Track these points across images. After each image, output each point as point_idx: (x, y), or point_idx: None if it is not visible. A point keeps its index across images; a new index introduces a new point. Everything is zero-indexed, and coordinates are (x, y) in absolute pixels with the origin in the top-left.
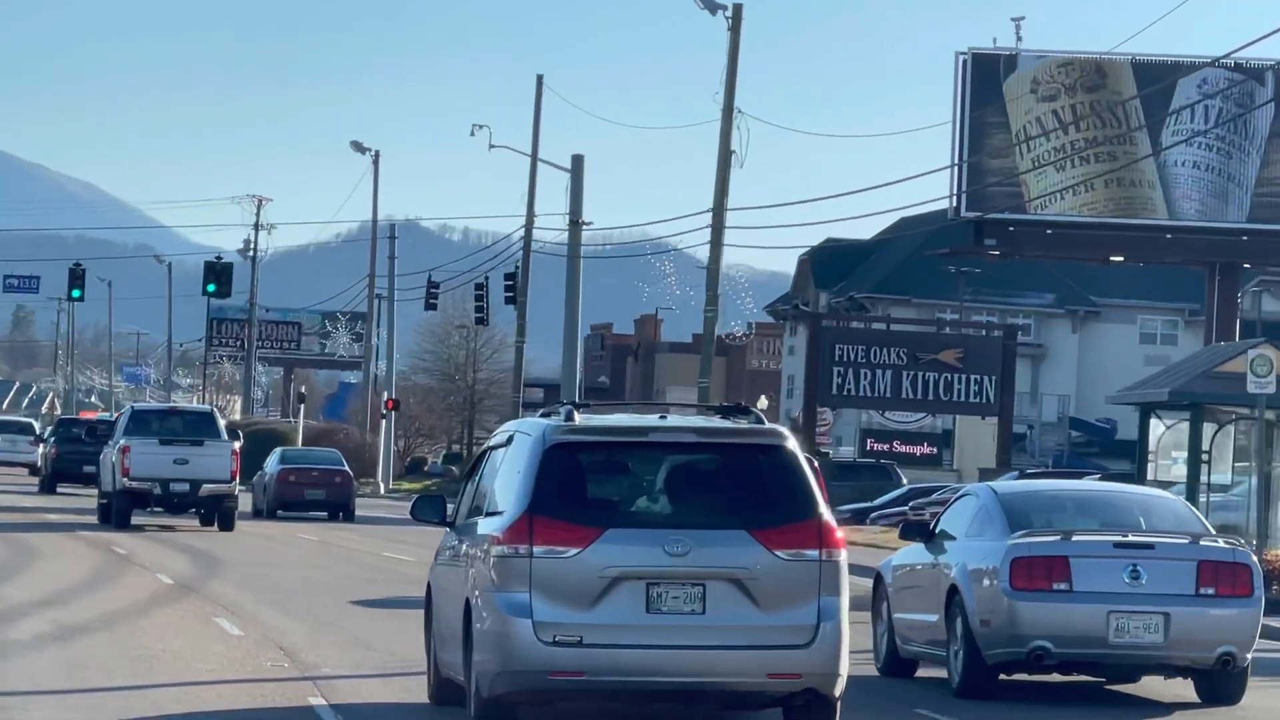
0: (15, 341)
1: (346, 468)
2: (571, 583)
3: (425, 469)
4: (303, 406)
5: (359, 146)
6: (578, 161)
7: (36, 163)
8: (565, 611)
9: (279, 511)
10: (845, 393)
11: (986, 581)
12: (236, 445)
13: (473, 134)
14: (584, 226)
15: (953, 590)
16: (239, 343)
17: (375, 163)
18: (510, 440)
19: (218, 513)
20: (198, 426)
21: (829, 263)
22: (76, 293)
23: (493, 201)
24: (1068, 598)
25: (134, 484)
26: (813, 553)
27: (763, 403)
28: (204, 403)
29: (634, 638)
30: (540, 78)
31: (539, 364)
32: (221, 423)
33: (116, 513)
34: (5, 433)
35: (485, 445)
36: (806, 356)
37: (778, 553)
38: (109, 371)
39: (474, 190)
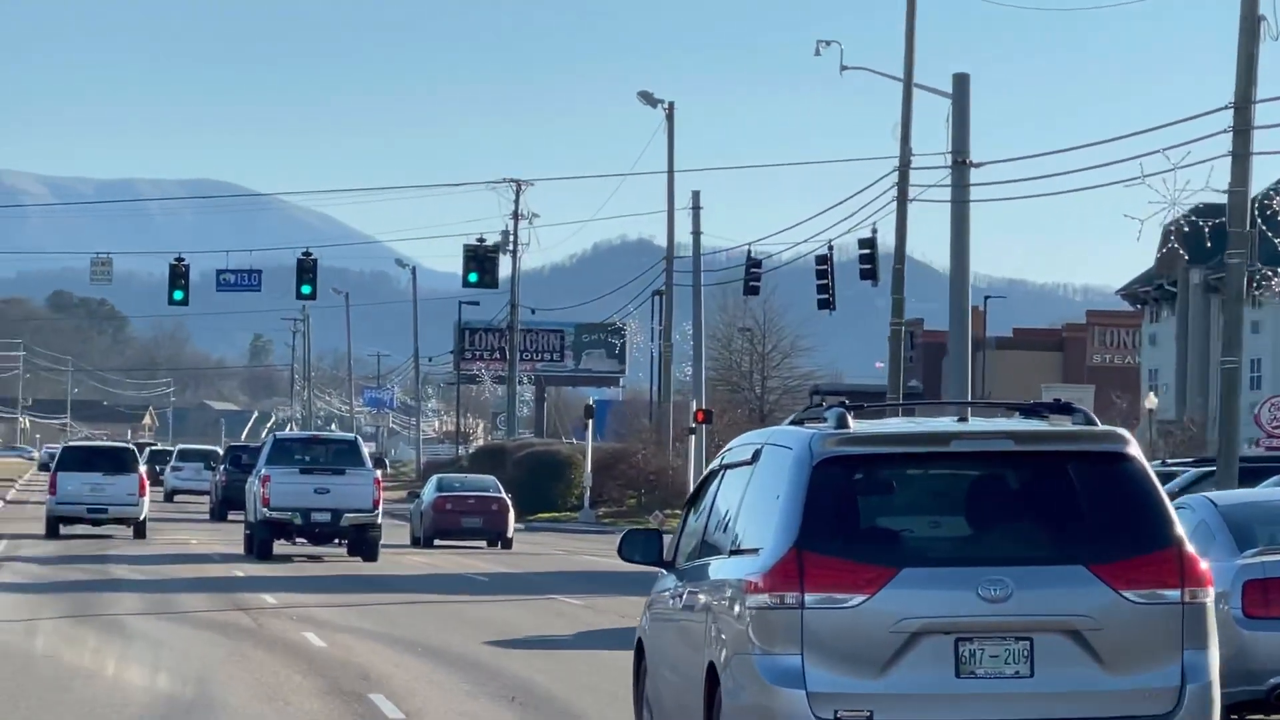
0: (254, 369)
1: (504, 494)
2: (857, 640)
3: None
4: (590, 423)
5: (648, 98)
6: (961, 82)
7: (272, 194)
8: (849, 679)
9: (435, 540)
10: None
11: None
12: (380, 474)
13: (818, 53)
14: (972, 166)
15: None
16: (494, 354)
17: (669, 117)
18: (757, 456)
19: (362, 544)
20: (340, 455)
21: (1201, 232)
22: (306, 288)
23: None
24: None
25: (274, 514)
26: (1173, 593)
27: (1151, 401)
28: (453, 426)
29: (941, 710)
30: None
31: (837, 366)
32: (365, 451)
33: (258, 544)
34: (191, 461)
35: (715, 464)
36: None
37: (1127, 594)
38: (348, 395)
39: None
